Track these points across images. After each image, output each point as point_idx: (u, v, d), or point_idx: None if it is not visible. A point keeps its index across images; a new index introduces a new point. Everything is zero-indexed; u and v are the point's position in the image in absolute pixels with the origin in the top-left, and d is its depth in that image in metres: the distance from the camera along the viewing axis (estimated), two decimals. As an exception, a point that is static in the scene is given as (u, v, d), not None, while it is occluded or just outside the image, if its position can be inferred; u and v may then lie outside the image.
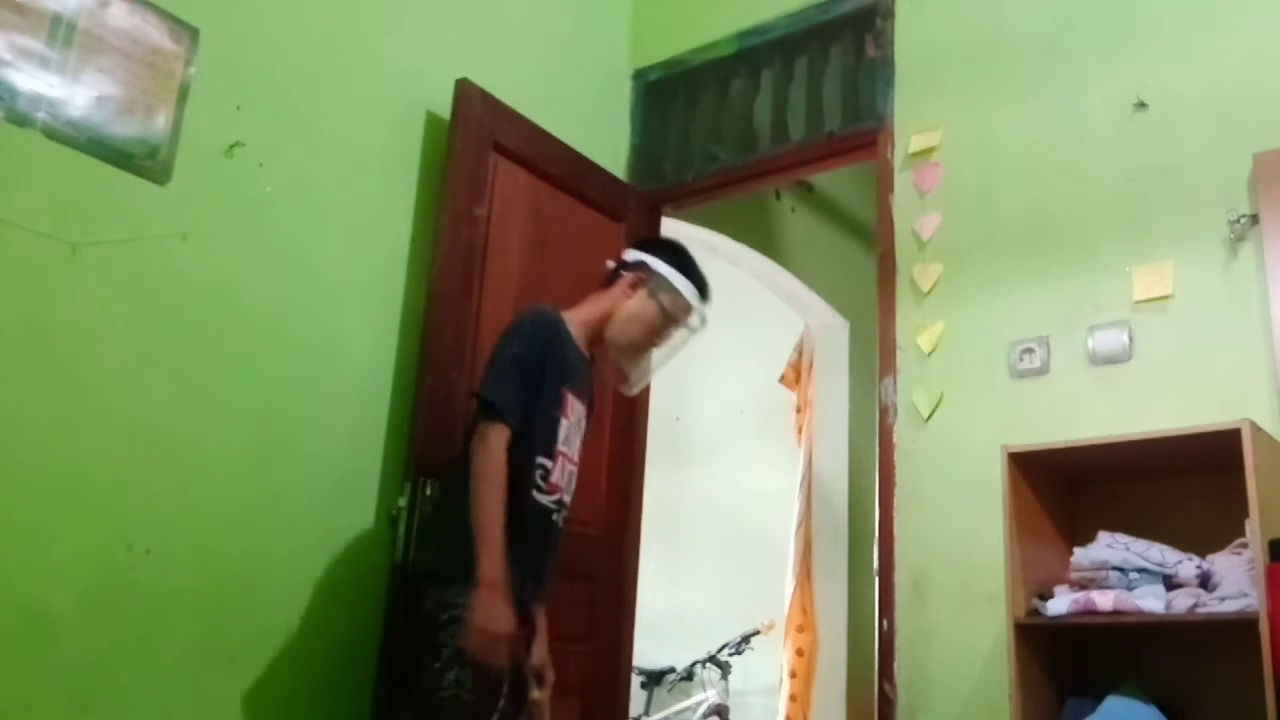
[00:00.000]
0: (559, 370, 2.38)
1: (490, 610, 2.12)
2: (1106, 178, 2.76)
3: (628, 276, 2.52)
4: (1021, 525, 2.40)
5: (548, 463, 2.35)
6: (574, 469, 2.46)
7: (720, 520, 5.33)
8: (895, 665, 2.77)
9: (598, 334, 2.53)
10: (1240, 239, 2.53)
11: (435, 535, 2.42)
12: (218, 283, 2.52)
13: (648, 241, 2.59)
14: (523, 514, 2.28)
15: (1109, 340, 2.65)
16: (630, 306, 2.51)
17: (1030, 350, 2.76)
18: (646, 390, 3.56)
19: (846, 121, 3.32)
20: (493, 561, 2.14)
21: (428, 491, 2.71)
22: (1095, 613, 2.25)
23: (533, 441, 2.32)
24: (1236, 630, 2.07)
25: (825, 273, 4.96)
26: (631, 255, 2.57)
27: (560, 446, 2.38)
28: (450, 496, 2.40)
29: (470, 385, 2.88)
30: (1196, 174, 2.62)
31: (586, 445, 2.94)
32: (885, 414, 2.98)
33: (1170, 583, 2.28)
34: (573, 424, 2.43)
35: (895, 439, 2.94)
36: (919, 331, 2.96)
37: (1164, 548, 2.31)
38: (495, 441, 2.23)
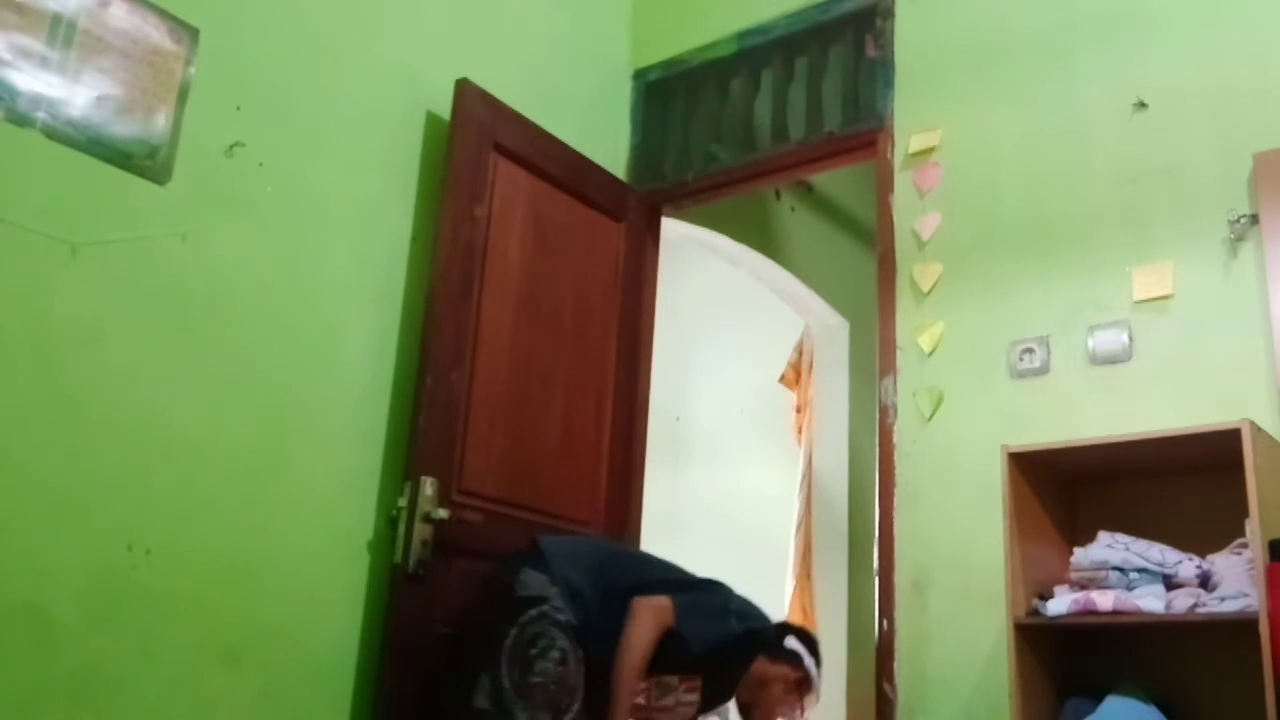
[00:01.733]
0: (714, 680, 2.67)
1: None
2: (1106, 178, 2.76)
3: (797, 673, 2.67)
4: (1021, 525, 2.40)
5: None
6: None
7: (720, 520, 5.33)
8: (895, 665, 2.77)
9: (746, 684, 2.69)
10: (1240, 239, 2.53)
11: (557, 547, 2.63)
12: (218, 283, 2.52)
13: (812, 642, 2.76)
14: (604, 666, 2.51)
15: (1109, 340, 2.65)
16: (785, 701, 2.68)
17: (1030, 350, 2.76)
18: (647, 390, 3.57)
19: (846, 121, 3.32)
20: None
21: (428, 491, 2.71)
22: (1095, 613, 2.25)
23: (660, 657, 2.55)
24: (1236, 630, 2.07)
25: (825, 273, 4.96)
26: (800, 652, 2.69)
27: (654, 677, 2.63)
28: (589, 554, 2.68)
29: (470, 381, 2.90)
30: (1196, 174, 2.62)
31: (588, 443, 3.23)
32: (885, 414, 2.98)
33: (1170, 583, 2.27)
34: (676, 692, 2.68)
35: (895, 439, 2.94)
36: (919, 331, 2.96)
37: (1164, 548, 2.31)
38: (660, 625, 2.51)
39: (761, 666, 2.65)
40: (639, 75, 3.85)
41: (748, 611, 2.69)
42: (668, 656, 2.55)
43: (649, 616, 2.52)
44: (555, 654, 2.43)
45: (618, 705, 2.46)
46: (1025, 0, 3.03)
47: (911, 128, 3.14)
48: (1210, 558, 2.28)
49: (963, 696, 2.64)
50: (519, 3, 3.46)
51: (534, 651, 2.41)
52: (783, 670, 2.66)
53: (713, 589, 2.70)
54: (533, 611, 2.46)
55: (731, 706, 2.79)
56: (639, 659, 2.49)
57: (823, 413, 5.03)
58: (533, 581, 2.51)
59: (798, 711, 2.72)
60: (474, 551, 2.84)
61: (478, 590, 2.69)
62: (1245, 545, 2.19)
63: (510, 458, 3.00)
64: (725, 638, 2.58)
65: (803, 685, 2.68)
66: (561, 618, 2.48)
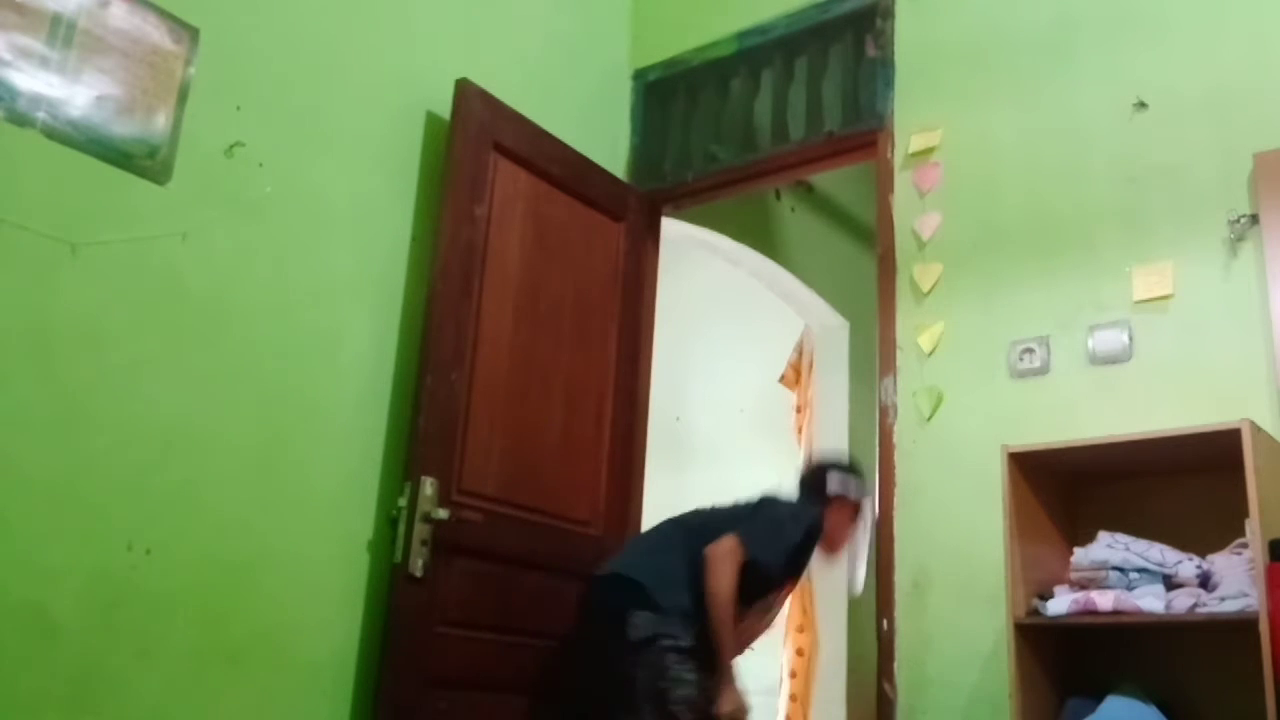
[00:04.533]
0: (796, 570, 2.94)
1: (740, 696, 2.70)
2: (1106, 178, 2.76)
3: (845, 507, 2.95)
4: (1021, 525, 2.40)
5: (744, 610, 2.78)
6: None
7: (720, 520, 5.31)
8: (895, 665, 2.77)
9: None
10: (1240, 239, 2.53)
11: (652, 571, 2.73)
12: (218, 283, 2.52)
13: (850, 469, 3.03)
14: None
15: (1109, 340, 2.65)
16: (847, 535, 2.99)
17: (1030, 350, 2.76)
18: (647, 390, 3.57)
19: (846, 121, 3.32)
20: (733, 664, 2.70)
21: (428, 491, 2.71)
22: (1095, 613, 2.25)
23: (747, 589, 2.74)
24: (1236, 630, 2.07)
25: (825, 273, 4.96)
26: (845, 488, 2.95)
27: (756, 606, 2.86)
28: (671, 552, 2.78)
29: (470, 381, 2.90)
30: (1196, 174, 2.62)
31: (588, 443, 3.28)
32: (885, 414, 2.98)
33: (1170, 583, 2.27)
34: (773, 605, 3.00)
35: (895, 439, 2.94)
36: (919, 331, 2.96)
37: (1164, 548, 2.31)
38: (735, 564, 2.67)
39: (826, 524, 2.90)
40: (639, 75, 3.85)
41: (800, 513, 2.87)
42: (754, 584, 2.73)
43: (722, 562, 2.67)
44: (688, 677, 2.60)
45: (724, 650, 2.65)
46: (1025, 0, 3.03)
47: (911, 128, 3.14)
48: (1210, 558, 2.28)
49: (963, 696, 2.64)
50: (519, 3, 3.46)
51: (664, 684, 2.58)
52: (842, 516, 2.93)
53: (764, 507, 2.86)
54: (651, 651, 2.61)
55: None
56: (727, 603, 2.64)
57: (823, 413, 5.03)
58: (643, 622, 2.63)
59: (858, 531, 3.03)
60: (474, 551, 2.84)
61: (580, 628, 2.88)
62: (1245, 545, 2.19)
63: (510, 458, 3.00)
64: (793, 546, 2.78)
65: (858, 514, 2.97)
66: (682, 644, 2.62)
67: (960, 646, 2.67)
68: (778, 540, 2.76)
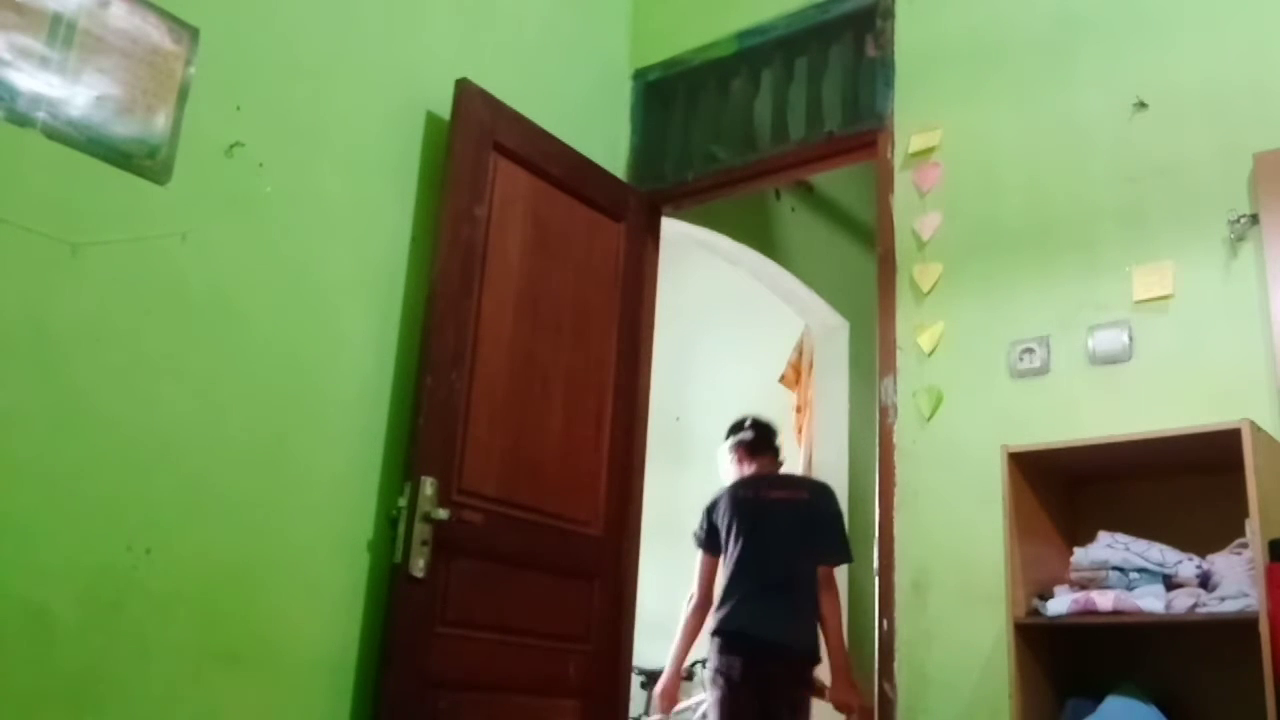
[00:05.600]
0: None
1: (849, 687, 3.35)
2: (1106, 178, 2.76)
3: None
4: (1021, 525, 2.40)
5: None
6: None
7: (720, 520, 5.31)
8: (895, 665, 2.77)
9: None
10: (1240, 239, 2.53)
11: (802, 627, 3.30)
12: (218, 283, 2.52)
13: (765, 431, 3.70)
14: None
15: (1109, 340, 2.65)
16: None
17: (1030, 350, 2.76)
18: (647, 390, 3.57)
19: (846, 121, 3.32)
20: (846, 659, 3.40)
21: (428, 491, 2.71)
22: (1095, 613, 2.25)
23: None
24: (1236, 630, 2.07)
25: (825, 273, 4.96)
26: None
27: None
28: (807, 598, 3.33)
29: (470, 381, 2.90)
30: (1196, 174, 2.62)
31: (588, 443, 3.32)
32: (885, 414, 2.98)
33: (1170, 583, 2.27)
34: None
35: (895, 439, 2.94)
36: (919, 331, 2.96)
37: (1164, 548, 2.31)
38: (837, 589, 3.41)
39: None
40: (639, 75, 3.85)
41: (836, 502, 3.52)
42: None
43: (834, 597, 3.37)
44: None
45: (838, 653, 3.33)
46: (1025, 0, 3.03)
47: (911, 127, 3.14)
48: (1210, 558, 2.28)
49: (963, 696, 2.64)
50: (519, 3, 3.46)
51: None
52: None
53: (830, 520, 3.46)
54: (816, 685, 3.32)
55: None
56: (840, 622, 3.38)
57: (823, 413, 5.03)
58: (811, 670, 3.29)
59: None
60: (474, 551, 2.84)
61: (754, 671, 3.26)
62: (1245, 545, 2.19)
63: (510, 458, 3.00)
64: (842, 527, 3.52)
65: None
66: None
67: (960, 646, 2.67)
68: (843, 540, 3.46)
